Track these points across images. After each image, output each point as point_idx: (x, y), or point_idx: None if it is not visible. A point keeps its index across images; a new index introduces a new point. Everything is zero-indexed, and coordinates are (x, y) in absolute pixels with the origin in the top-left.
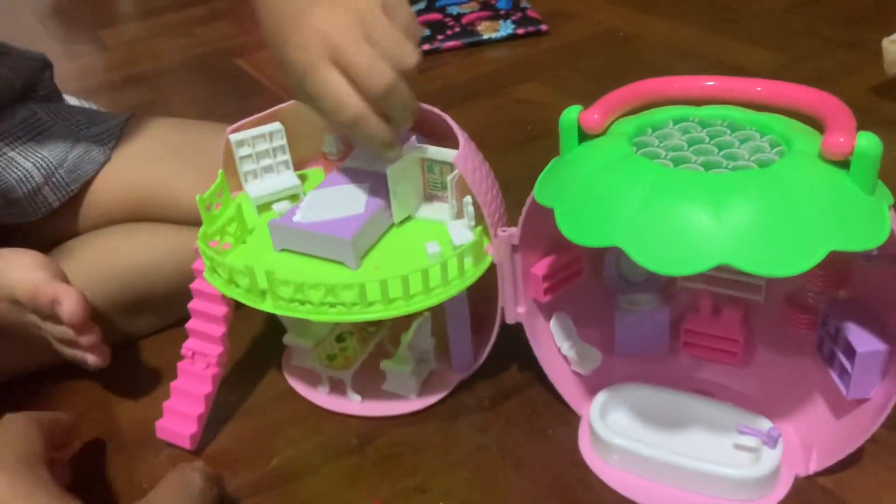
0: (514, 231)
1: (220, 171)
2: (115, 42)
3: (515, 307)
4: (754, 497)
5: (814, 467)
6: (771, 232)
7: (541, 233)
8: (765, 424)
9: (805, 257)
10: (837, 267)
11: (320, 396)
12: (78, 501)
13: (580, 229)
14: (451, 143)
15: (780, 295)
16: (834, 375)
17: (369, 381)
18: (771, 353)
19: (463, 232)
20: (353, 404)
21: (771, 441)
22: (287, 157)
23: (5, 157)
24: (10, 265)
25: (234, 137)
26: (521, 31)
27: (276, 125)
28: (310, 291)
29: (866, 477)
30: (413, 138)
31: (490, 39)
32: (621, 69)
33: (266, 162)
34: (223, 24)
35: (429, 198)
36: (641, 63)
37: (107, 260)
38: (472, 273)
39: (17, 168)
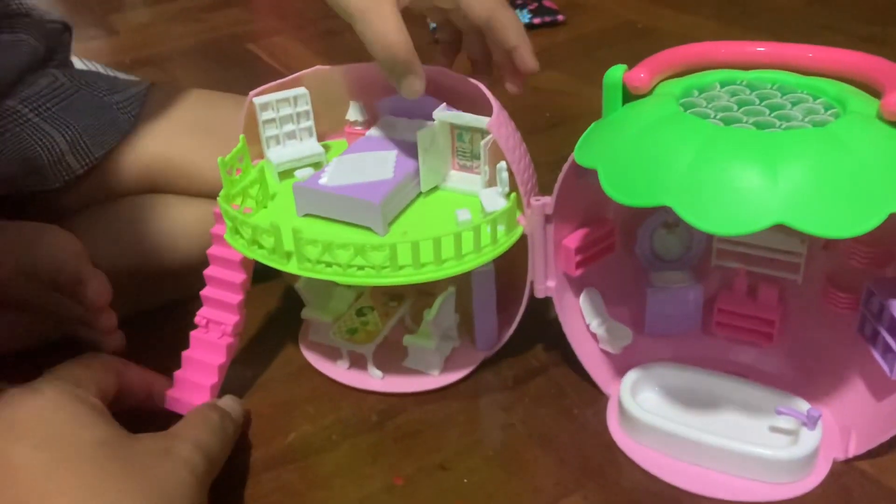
0: (549, 200)
1: (241, 136)
2: (124, 26)
3: (545, 281)
4: (791, 480)
5: (853, 451)
6: (829, 191)
7: (574, 204)
8: (803, 405)
9: (865, 218)
10: (884, 242)
11: (339, 372)
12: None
13: (626, 189)
14: (483, 113)
15: (819, 274)
16: (877, 355)
17: (390, 358)
18: (807, 333)
19: (496, 199)
20: (374, 380)
21: (811, 422)
22: (311, 123)
23: (30, 123)
24: (35, 241)
25: (258, 100)
26: (537, 20)
27: (302, 90)
28: (338, 252)
29: None
30: (444, 105)
31: None
32: (640, 59)
33: (289, 127)
34: (235, 11)
35: (458, 168)
36: None
37: (125, 231)
38: (505, 241)
39: (42, 135)
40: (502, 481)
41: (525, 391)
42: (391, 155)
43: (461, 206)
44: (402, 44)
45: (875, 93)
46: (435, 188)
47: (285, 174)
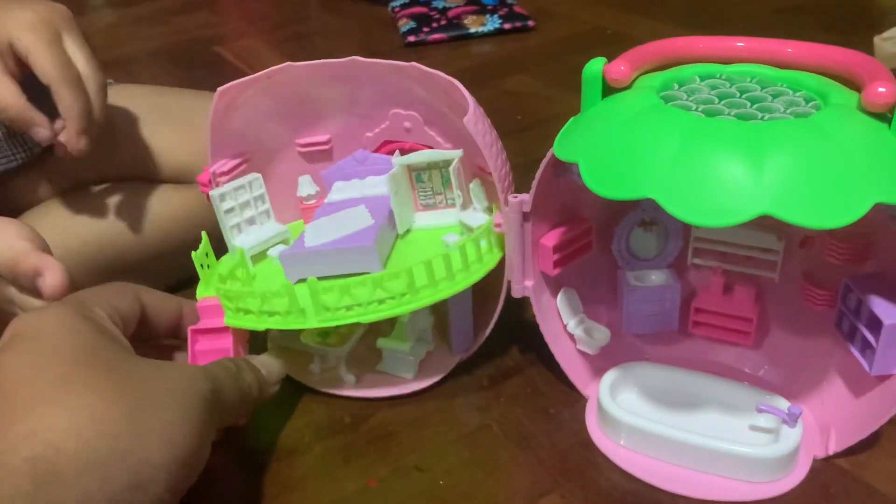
0: (526, 197)
1: (203, 233)
2: (89, 29)
3: (523, 280)
4: (772, 478)
5: (833, 448)
6: (814, 181)
7: (552, 202)
8: (783, 403)
9: (851, 208)
10: (861, 238)
11: (311, 377)
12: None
13: (609, 182)
14: (454, 111)
15: (796, 272)
16: (855, 352)
17: (363, 361)
18: (785, 332)
19: (477, 216)
20: (347, 386)
21: (791, 420)
22: (268, 205)
23: None
24: None
25: (215, 193)
26: (507, 25)
27: (255, 175)
28: (356, 291)
29: (886, 457)
30: (396, 152)
31: (476, 33)
32: None
33: (249, 213)
34: (202, 14)
35: (422, 209)
36: None
37: (80, 223)
38: (500, 250)
39: None
40: (479, 482)
41: (501, 391)
42: (361, 208)
43: (444, 234)
44: (16, 104)
45: (854, 87)
46: (407, 231)
47: (256, 257)
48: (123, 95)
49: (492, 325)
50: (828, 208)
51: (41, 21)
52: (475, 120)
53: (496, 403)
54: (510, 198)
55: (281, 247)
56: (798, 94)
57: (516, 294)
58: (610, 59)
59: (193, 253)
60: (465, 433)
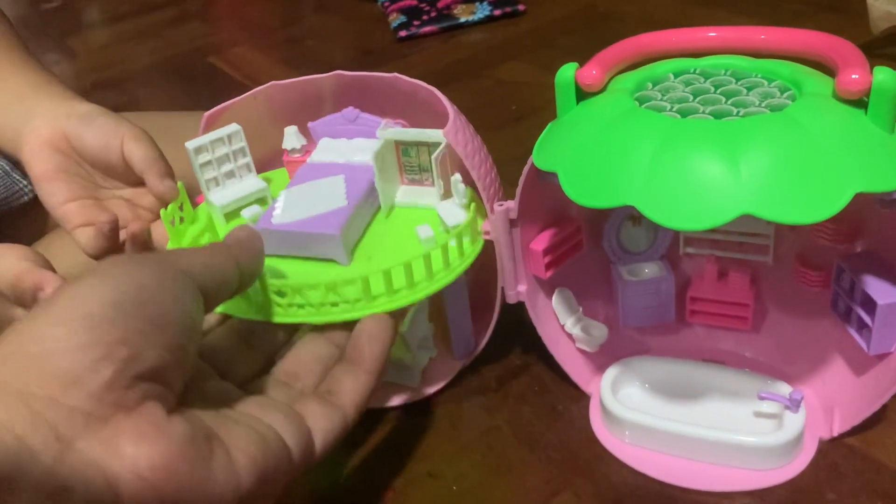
0: (512, 204)
1: (179, 183)
2: (83, 48)
3: (516, 286)
4: (779, 465)
5: (838, 429)
6: (793, 177)
7: (538, 206)
8: (785, 389)
9: (832, 201)
10: (850, 219)
11: None
12: None
13: (587, 191)
14: (439, 120)
15: (789, 254)
16: (853, 332)
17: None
18: (783, 315)
19: (455, 212)
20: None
21: (794, 405)
22: (248, 159)
23: None
24: None
25: (190, 145)
26: (497, 12)
27: (234, 126)
28: (309, 293)
29: (895, 433)
30: (386, 121)
31: (467, 22)
32: (603, 45)
33: (227, 167)
34: (194, 25)
35: (407, 182)
36: (622, 38)
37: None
38: (472, 252)
39: None
40: (492, 485)
41: (509, 391)
42: (339, 180)
43: (419, 222)
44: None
45: (828, 71)
46: (391, 208)
47: (231, 215)
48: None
49: (490, 331)
50: (808, 203)
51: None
52: (455, 130)
53: (504, 404)
54: (496, 206)
55: (255, 208)
56: (773, 84)
57: (510, 300)
58: (600, 39)
59: (162, 210)
60: (475, 436)
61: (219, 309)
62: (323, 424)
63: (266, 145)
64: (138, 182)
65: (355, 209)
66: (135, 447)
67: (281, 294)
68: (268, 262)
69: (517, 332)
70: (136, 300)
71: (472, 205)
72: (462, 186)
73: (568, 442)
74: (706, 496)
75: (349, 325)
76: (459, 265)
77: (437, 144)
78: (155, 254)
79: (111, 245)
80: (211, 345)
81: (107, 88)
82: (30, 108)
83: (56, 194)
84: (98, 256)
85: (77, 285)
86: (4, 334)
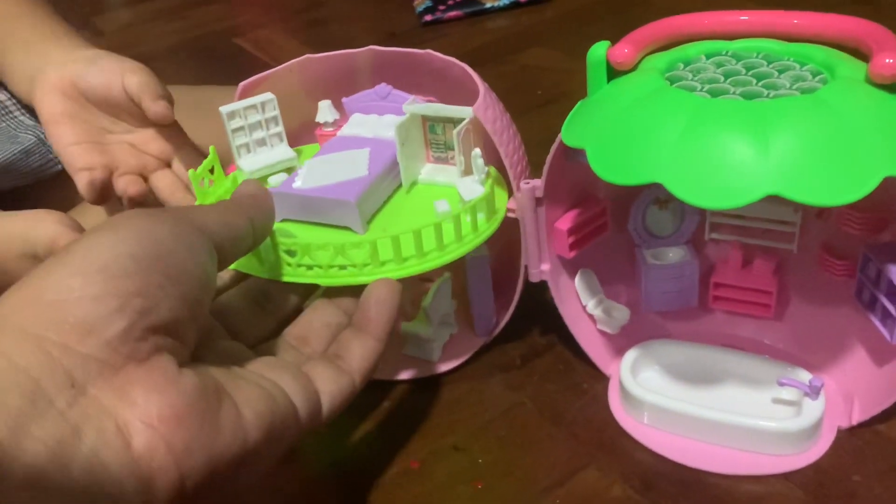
0: (538, 183)
1: (211, 147)
2: (110, 27)
3: (539, 265)
4: (796, 451)
5: (857, 418)
6: (821, 159)
7: (565, 185)
8: (805, 376)
9: (859, 184)
10: (877, 207)
11: None
12: None
13: (615, 167)
14: (469, 99)
15: (814, 243)
16: (876, 321)
17: (390, 346)
18: (806, 303)
19: (473, 187)
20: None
21: (813, 392)
22: (280, 128)
23: (15, 119)
24: (32, 222)
25: (224, 109)
26: None
27: (268, 95)
28: (317, 253)
29: None
30: (413, 97)
31: (492, 8)
32: (628, 31)
33: (259, 134)
34: (218, 6)
35: (433, 160)
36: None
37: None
38: (486, 228)
39: (28, 128)
40: (516, 459)
41: (533, 369)
42: (364, 153)
43: (439, 198)
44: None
45: (863, 56)
46: (413, 183)
47: (259, 181)
48: None
49: (512, 309)
50: (835, 185)
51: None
52: (485, 107)
53: (529, 381)
54: (522, 184)
55: (282, 175)
56: (805, 68)
57: (533, 279)
58: (627, 26)
59: (191, 171)
60: (500, 412)
61: (231, 266)
62: (330, 387)
63: (300, 118)
64: (146, 121)
65: (375, 180)
66: (145, 397)
67: (291, 253)
68: (285, 225)
69: (541, 311)
70: (153, 254)
71: (490, 181)
72: (481, 161)
73: (592, 419)
74: (723, 479)
75: (358, 293)
76: (473, 239)
77: (462, 121)
78: (171, 209)
79: (103, 196)
80: (224, 305)
81: None
82: (41, 54)
83: (62, 137)
84: (96, 203)
85: (94, 237)
86: (21, 282)
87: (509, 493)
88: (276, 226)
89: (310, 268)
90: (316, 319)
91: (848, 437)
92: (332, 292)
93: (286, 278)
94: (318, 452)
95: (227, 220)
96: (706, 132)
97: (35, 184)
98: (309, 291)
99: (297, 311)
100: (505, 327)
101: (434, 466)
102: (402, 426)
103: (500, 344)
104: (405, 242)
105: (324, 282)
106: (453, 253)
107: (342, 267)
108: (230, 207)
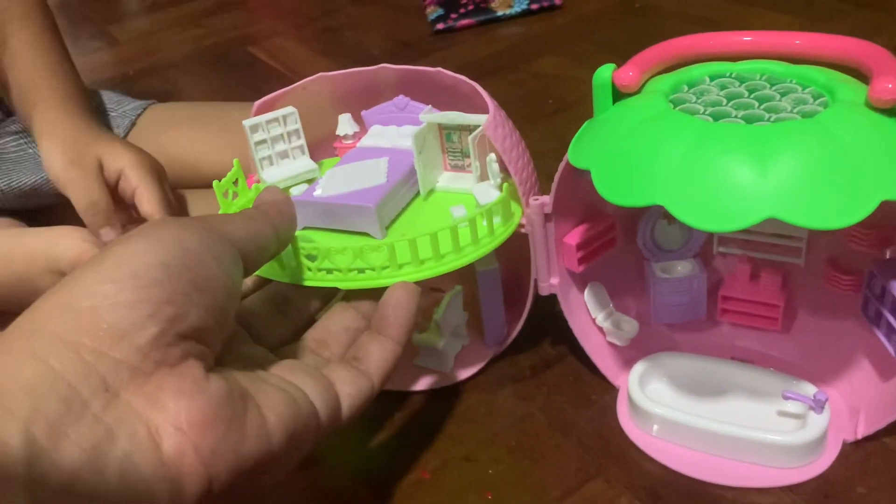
0: (547, 199)
1: (235, 160)
2: (125, 36)
3: (549, 278)
4: (800, 464)
5: (862, 432)
6: (820, 182)
7: (573, 200)
8: (810, 389)
9: (857, 208)
10: (883, 225)
11: None
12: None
13: (619, 189)
14: (479, 112)
15: (821, 257)
16: (881, 336)
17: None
18: (812, 317)
19: (489, 192)
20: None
21: (818, 406)
22: (302, 141)
23: (27, 153)
24: (56, 238)
25: (247, 123)
26: (535, 6)
27: (290, 108)
28: (336, 257)
29: None
30: (429, 107)
31: (504, 16)
32: (640, 40)
33: (281, 147)
34: (233, 14)
35: (450, 168)
36: (659, 33)
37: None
38: (503, 232)
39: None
40: (526, 470)
41: (543, 380)
42: (383, 162)
43: (456, 204)
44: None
45: (865, 78)
46: (431, 190)
47: None
48: (169, 110)
49: (522, 321)
50: (832, 209)
51: (152, 164)
52: (494, 126)
53: (539, 392)
54: (532, 200)
55: (304, 186)
56: (806, 90)
57: (543, 292)
58: (637, 34)
59: (216, 182)
60: (510, 422)
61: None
62: (350, 390)
63: (311, 134)
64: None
65: (394, 187)
66: (175, 401)
67: (311, 258)
68: (306, 232)
69: (551, 323)
70: (182, 263)
71: (506, 185)
72: (496, 166)
73: (602, 430)
74: (729, 491)
75: (377, 297)
76: (489, 242)
77: (478, 127)
78: (199, 218)
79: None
80: (247, 310)
81: (149, 76)
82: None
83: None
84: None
85: (125, 246)
86: (54, 289)
87: (519, 502)
88: (297, 233)
89: (329, 272)
90: (335, 323)
91: (853, 450)
92: (351, 296)
93: (307, 283)
94: (330, 462)
95: (253, 229)
96: (707, 156)
97: (60, 203)
98: (328, 297)
99: (317, 315)
100: (515, 339)
101: (445, 476)
102: (413, 436)
103: (511, 355)
104: (422, 245)
105: (343, 285)
106: (469, 256)
107: (361, 270)
108: (255, 216)
